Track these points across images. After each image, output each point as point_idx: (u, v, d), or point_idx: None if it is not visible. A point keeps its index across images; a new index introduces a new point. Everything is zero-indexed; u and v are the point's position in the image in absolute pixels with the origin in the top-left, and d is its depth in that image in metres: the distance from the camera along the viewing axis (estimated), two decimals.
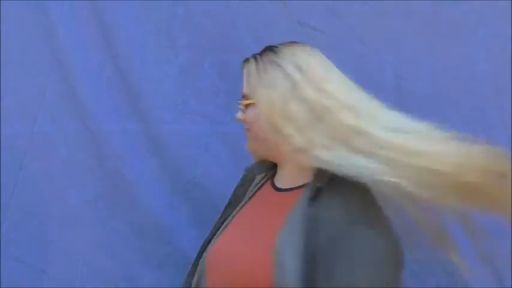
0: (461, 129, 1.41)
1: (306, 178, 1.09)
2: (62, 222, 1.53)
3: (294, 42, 1.16)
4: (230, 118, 1.34)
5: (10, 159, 1.52)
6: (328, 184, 1.05)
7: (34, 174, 1.53)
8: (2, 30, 1.54)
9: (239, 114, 1.17)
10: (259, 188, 1.20)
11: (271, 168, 1.21)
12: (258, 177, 1.23)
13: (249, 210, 1.17)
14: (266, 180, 1.21)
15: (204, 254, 1.16)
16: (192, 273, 1.18)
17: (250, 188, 1.23)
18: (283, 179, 1.16)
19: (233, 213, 1.19)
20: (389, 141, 1.03)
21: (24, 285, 1.52)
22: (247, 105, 1.14)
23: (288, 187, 1.13)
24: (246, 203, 1.19)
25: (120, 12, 1.51)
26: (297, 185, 1.11)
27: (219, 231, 1.17)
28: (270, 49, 1.14)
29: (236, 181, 1.27)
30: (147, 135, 1.53)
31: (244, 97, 1.15)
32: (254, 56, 1.15)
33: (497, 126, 1.40)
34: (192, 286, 1.17)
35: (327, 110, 1.05)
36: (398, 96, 1.43)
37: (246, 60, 1.16)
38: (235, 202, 1.22)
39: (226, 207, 1.23)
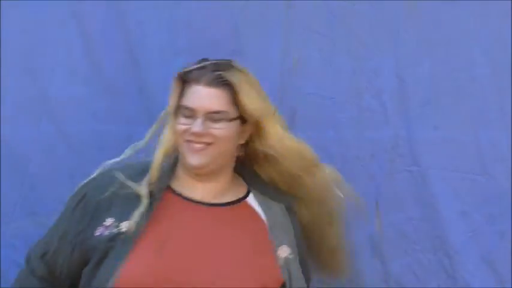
0: (461, 130, 1.42)
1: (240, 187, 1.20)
2: None
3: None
4: None
5: (10, 160, 1.52)
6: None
7: (35, 175, 1.53)
8: (2, 30, 1.54)
9: (204, 128, 1.11)
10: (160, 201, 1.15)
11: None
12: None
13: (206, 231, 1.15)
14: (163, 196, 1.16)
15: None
16: None
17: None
18: (214, 193, 1.17)
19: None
20: None
21: None
22: (220, 120, 1.12)
23: (228, 200, 1.18)
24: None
25: (121, 13, 1.52)
26: (238, 197, 1.19)
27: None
28: (235, 66, 1.16)
29: None
30: None
31: (221, 112, 1.13)
32: (230, 68, 1.15)
33: (497, 127, 1.40)
34: None
35: None
36: (399, 97, 1.44)
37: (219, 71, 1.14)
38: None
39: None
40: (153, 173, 1.14)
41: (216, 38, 1.50)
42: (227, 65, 1.16)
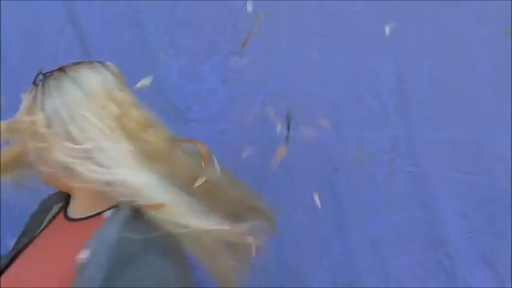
0: (462, 131, 1.42)
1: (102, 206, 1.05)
2: None
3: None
4: (229, 121, 1.34)
5: None
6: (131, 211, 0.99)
7: (35, 176, 1.53)
8: (2, 30, 1.54)
9: None
10: (53, 218, 1.14)
11: (66, 197, 1.14)
12: (55, 207, 1.16)
13: (40, 242, 1.10)
14: (60, 210, 1.15)
15: None
16: None
17: (47, 218, 1.15)
18: (75, 208, 1.10)
19: (27, 243, 1.11)
20: None
21: None
22: None
23: (81, 216, 1.07)
24: (39, 233, 1.12)
25: (119, 15, 1.52)
26: (93, 213, 1.05)
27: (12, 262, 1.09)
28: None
29: None
30: None
31: None
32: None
33: (497, 127, 1.40)
34: None
35: None
36: (399, 98, 1.43)
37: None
38: (29, 232, 1.15)
39: (21, 236, 1.18)
40: None
41: (215, 38, 1.50)
42: None
